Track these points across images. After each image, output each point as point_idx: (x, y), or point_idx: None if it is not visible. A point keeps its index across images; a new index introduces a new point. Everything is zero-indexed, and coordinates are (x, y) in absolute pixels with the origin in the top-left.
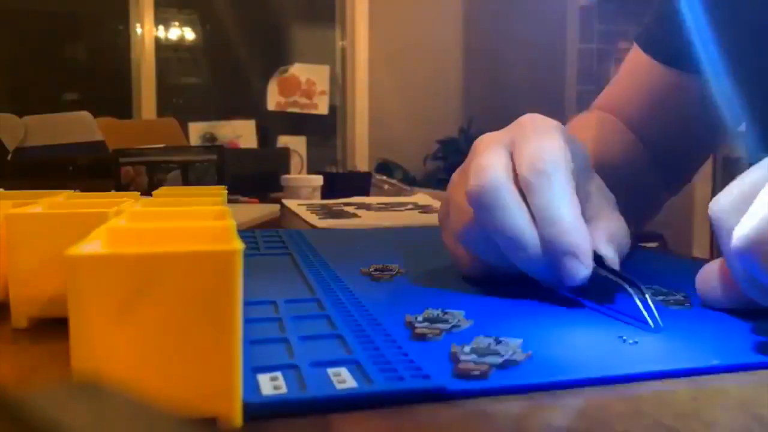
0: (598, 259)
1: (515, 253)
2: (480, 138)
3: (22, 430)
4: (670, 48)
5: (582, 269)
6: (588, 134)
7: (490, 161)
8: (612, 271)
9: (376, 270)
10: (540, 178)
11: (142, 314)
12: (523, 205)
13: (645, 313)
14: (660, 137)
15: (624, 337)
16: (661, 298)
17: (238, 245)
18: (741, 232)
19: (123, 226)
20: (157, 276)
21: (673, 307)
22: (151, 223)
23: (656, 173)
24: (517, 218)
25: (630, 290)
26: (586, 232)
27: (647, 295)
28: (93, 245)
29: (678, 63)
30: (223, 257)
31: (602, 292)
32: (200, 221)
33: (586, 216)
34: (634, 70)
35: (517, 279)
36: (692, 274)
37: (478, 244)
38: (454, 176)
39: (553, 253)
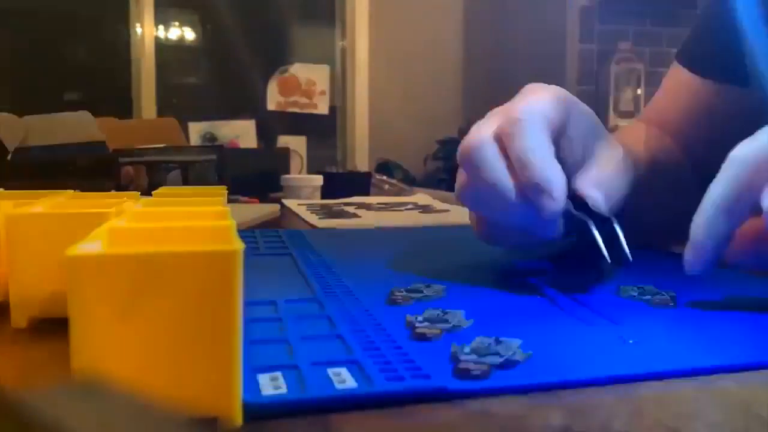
0: (583, 205)
1: (497, 202)
2: (491, 111)
3: (22, 430)
4: (710, 60)
5: (552, 203)
6: (635, 138)
7: (480, 125)
8: (589, 213)
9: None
10: (513, 126)
11: (142, 314)
12: (503, 159)
13: (625, 247)
14: (701, 149)
15: (628, 340)
16: (647, 297)
17: (239, 245)
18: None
19: (123, 226)
20: (157, 276)
21: (658, 306)
22: (151, 223)
23: (696, 182)
24: (496, 169)
25: (613, 226)
26: (559, 171)
27: (620, 230)
28: (93, 245)
29: (719, 74)
30: (223, 257)
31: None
32: (200, 221)
33: (583, 164)
34: (675, 87)
35: (521, 240)
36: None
37: (471, 200)
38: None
39: (528, 192)
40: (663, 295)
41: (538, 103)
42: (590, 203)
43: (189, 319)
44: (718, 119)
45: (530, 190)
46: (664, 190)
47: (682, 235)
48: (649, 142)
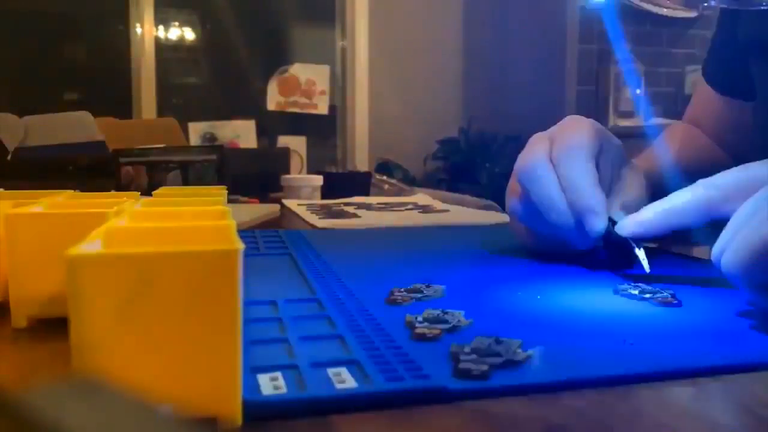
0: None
1: (549, 214)
2: (534, 136)
3: (22, 429)
4: (723, 80)
5: (598, 223)
6: (677, 138)
7: (533, 148)
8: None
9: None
10: (564, 155)
11: (142, 314)
12: (557, 180)
13: (644, 263)
14: (734, 150)
15: (629, 342)
16: (648, 296)
17: (238, 245)
18: (729, 258)
19: (123, 226)
20: (157, 275)
21: (660, 303)
22: (150, 223)
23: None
24: (551, 187)
25: (632, 243)
26: (602, 197)
27: (640, 247)
28: (93, 245)
29: (731, 92)
30: (223, 257)
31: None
32: (200, 221)
33: (612, 189)
34: (703, 95)
35: (557, 248)
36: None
37: (523, 213)
38: (513, 172)
39: (577, 212)
40: (663, 293)
41: (582, 135)
42: (616, 226)
43: (189, 319)
44: (740, 128)
45: (580, 210)
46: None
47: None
48: (693, 141)
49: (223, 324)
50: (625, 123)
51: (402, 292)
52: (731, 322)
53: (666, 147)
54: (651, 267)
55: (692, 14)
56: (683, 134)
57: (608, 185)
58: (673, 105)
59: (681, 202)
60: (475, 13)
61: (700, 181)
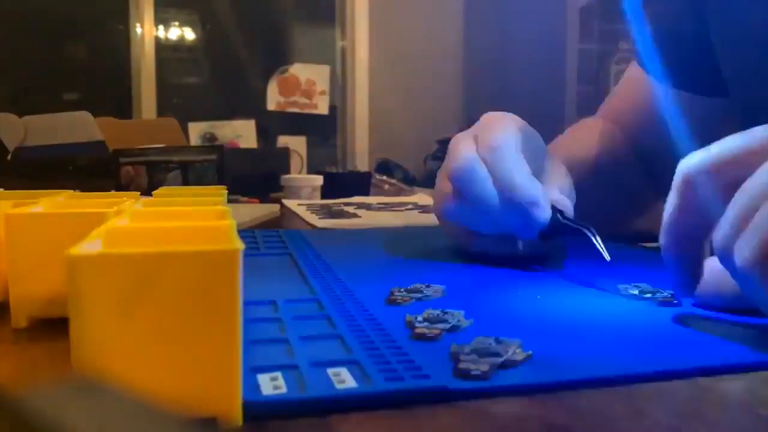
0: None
1: (485, 215)
2: (453, 138)
3: (22, 430)
4: (685, 75)
5: (542, 213)
6: (584, 138)
7: (459, 148)
8: (567, 218)
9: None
10: (493, 153)
11: (142, 314)
12: (489, 176)
13: (601, 249)
14: (653, 147)
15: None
16: (648, 295)
17: (239, 245)
18: (742, 254)
19: (123, 225)
20: (157, 275)
21: (660, 303)
22: (150, 223)
23: (646, 179)
24: (486, 184)
25: (585, 231)
26: (541, 187)
27: (597, 236)
28: (93, 245)
29: (694, 89)
30: (223, 257)
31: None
32: (200, 221)
33: (541, 179)
34: (633, 85)
35: (496, 246)
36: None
37: (456, 214)
38: (438, 173)
39: (518, 206)
40: (663, 292)
41: (506, 130)
42: (562, 210)
43: (189, 319)
44: (702, 122)
45: (522, 204)
46: (613, 187)
47: (626, 218)
48: (601, 142)
49: (223, 324)
50: None
51: (402, 292)
52: (731, 321)
53: (583, 142)
54: (653, 265)
55: None
56: (602, 131)
57: (536, 176)
58: None
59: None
60: (476, 13)
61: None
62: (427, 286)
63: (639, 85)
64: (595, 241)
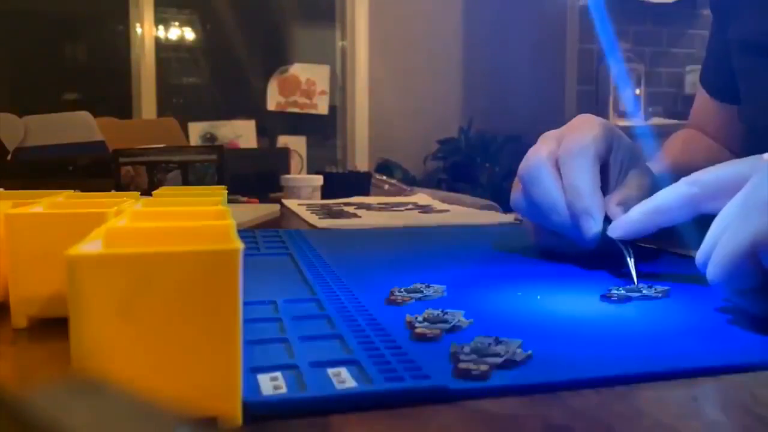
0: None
1: (549, 214)
2: (543, 135)
3: (22, 429)
4: (717, 84)
5: (592, 225)
6: (680, 142)
7: (538, 149)
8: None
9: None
10: (567, 157)
11: (141, 313)
12: (559, 180)
13: (632, 271)
14: (738, 151)
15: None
16: (638, 294)
17: (238, 244)
18: (712, 270)
19: (123, 225)
20: (157, 275)
21: (643, 298)
22: (150, 223)
23: None
24: (552, 189)
25: (624, 250)
26: (600, 200)
27: (632, 257)
28: (93, 245)
29: (724, 97)
30: (223, 256)
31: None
32: (200, 221)
33: (617, 188)
34: (701, 100)
35: (563, 246)
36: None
37: (524, 209)
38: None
39: (574, 213)
40: (652, 288)
41: (588, 136)
42: (612, 219)
43: (189, 319)
44: (737, 131)
45: (576, 212)
46: None
47: None
48: (696, 144)
49: (223, 324)
50: (625, 123)
51: (402, 292)
52: (730, 321)
53: (669, 151)
54: (653, 266)
55: None
56: (685, 138)
57: (614, 185)
58: (673, 105)
59: (665, 201)
60: (476, 14)
61: (683, 179)
62: (427, 286)
63: (708, 104)
64: (628, 261)
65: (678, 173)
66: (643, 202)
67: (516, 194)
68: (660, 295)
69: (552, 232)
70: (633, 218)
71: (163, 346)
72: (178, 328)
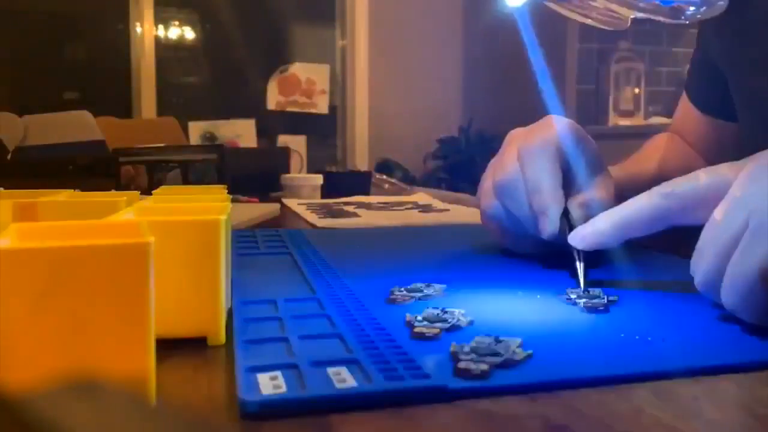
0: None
1: (519, 224)
2: (510, 133)
3: (22, 430)
4: (705, 98)
5: (548, 226)
6: (648, 153)
7: (504, 155)
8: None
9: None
10: (528, 156)
11: (55, 307)
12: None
13: (580, 274)
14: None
15: (637, 337)
16: (582, 301)
17: (148, 238)
18: (728, 299)
19: (31, 224)
20: (68, 270)
21: (588, 309)
22: (58, 222)
23: None
24: (524, 204)
25: (574, 252)
26: (560, 199)
27: (581, 260)
28: (2, 241)
29: (712, 112)
30: (132, 250)
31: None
32: (110, 220)
33: (580, 191)
34: (685, 109)
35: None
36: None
37: (499, 217)
38: (488, 167)
39: (534, 210)
40: (600, 299)
41: (549, 135)
42: (573, 219)
43: (102, 311)
44: (719, 146)
45: (535, 210)
46: None
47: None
48: (677, 150)
49: (136, 315)
50: (625, 122)
51: (402, 291)
52: (730, 321)
53: (647, 156)
54: (637, 268)
55: (621, 28)
56: (667, 144)
57: (578, 188)
58: (674, 104)
59: (636, 214)
60: (475, 13)
61: (655, 189)
62: (428, 286)
63: (686, 110)
64: (577, 265)
65: (648, 180)
66: (612, 210)
67: (488, 205)
68: (601, 303)
69: (519, 235)
70: (600, 229)
71: (78, 340)
72: (92, 320)
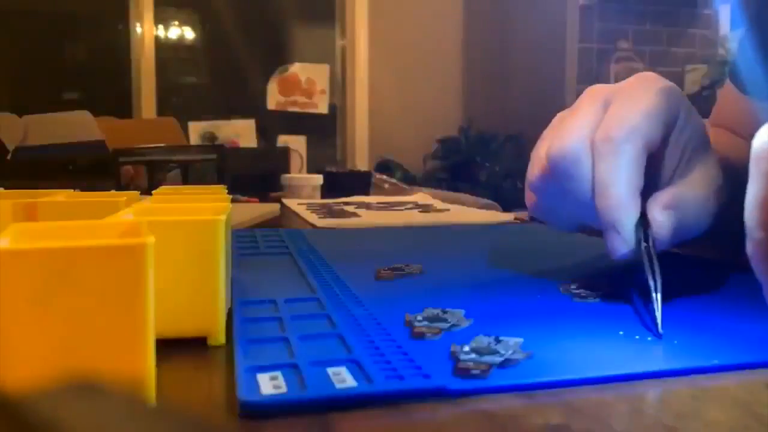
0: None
1: (577, 211)
2: (590, 87)
3: (22, 430)
4: (745, 80)
5: (621, 245)
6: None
7: (577, 124)
8: (651, 251)
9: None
10: (606, 147)
11: (55, 307)
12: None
13: (657, 316)
14: None
15: (637, 337)
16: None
17: (148, 239)
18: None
19: (31, 224)
20: (67, 270)
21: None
22: (56, 222)
23: None
24: (584, 189)
25: (650, 284)
26: (634, 210)
27: (657, 295)
28: (2, 241)
29: (755, 92)
30: (131, 251)
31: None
32: (106, 221)
33: (673, 181)
34: (729, 97)
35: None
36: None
37: (545, 193)
38: (553, 121)
39: (602, 221)
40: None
41: (637, 118)
42: (653, 232)
43: (101, 311)
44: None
45: (604, 223)
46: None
47: None
48: (729, 141)
49: (136, 315)
50: None
51: (387, 271)
52: (729, 322)
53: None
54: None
55: None
56: (714, 138)
57: (670, 176)
58: None
59: None
60: (475, 13)
61: None
62: (408, 266)
63: (737, 99)
64: (653, 296)
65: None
66: None
67: (538, 176)
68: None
69: (572, 221)
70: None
71: (76, 340)
72: (90, 322)
